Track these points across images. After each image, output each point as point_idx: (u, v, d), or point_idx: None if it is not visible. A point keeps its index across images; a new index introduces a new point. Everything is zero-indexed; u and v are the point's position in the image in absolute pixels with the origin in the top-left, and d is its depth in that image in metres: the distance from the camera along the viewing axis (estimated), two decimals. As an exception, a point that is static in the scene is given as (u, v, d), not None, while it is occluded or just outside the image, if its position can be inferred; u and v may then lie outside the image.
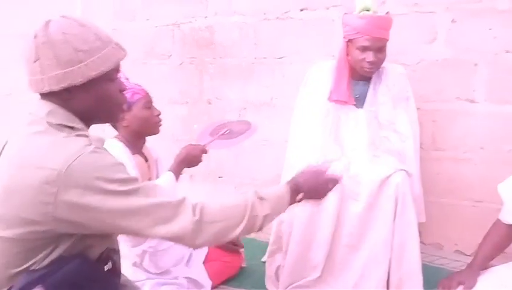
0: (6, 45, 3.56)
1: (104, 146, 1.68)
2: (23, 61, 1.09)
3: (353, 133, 1.94)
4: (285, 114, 2.34)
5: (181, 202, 1.07)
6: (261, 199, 1.15)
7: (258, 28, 2.78)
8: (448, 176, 2.36)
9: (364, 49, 1.88)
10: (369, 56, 1.89)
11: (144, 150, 1.90)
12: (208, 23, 2.91)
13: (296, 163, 1.96)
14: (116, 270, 1.15)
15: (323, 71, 2.06)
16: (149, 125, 1.82)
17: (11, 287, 1.01)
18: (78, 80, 1.05)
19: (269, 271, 1.97)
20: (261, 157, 2.82)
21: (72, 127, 1.07)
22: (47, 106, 1.08)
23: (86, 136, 1.07)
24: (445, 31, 2.32)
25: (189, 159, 1.80)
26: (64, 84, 1.05)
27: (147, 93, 1.83)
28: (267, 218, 1.15)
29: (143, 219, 1.03)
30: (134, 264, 1.73)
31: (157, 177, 1.93)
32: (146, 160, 1.88)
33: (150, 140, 1.93)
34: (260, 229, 1.17)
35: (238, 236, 1.14)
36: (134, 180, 1.06)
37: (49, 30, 1.05)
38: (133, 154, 1.81)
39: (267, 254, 2.03)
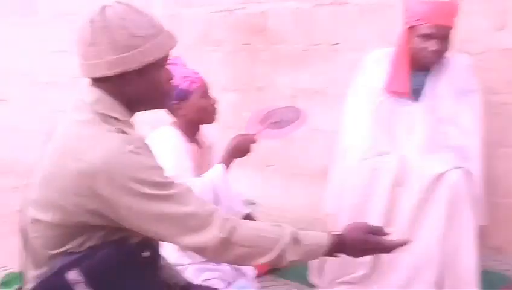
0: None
1: (150, 139, 1.72)
2: (76, 46, 1.09)
3: (407, 127, 1.83)
4: (338, 103, 2.25)
5: (211, 215, 1.04)
6: (296, 241, 1.08)
7: (312, 13, 2.70)
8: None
9: (426, 37, 1.76)
10: (432, 45, 1.76)
11: (198, 137, 1.91)
12: (262, 8, 2.86)
13: (346, 155, 1.88)
14: (155, 257, 1.15)
15: (380, 60, 1.96)
16: (206, 114, 1.82)
17: (49, 268, 1.03)
18: (133, 65, 1.05)
19: (314, 264, 1.92)
20: (311, 147, 2.75)
21: (116, 118, 1.07)
22: (95, 92, 1.09)
23: (127, 133, 1.05)
24: (515, 17, 2.13)
25: (239, 150, 1.78)
26: (118, 70, 1.05)
27: (204, 82, 1.82)
28: (293, 263, 1.10)
29: (170, 226, 1.02)
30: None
31: (210, 163, 1.93)
32: (200, 147, 1.89)
33: (201, 127, 1.92)
34: (282, 268, 1.12)
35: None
36: (168, 184, 1.04)
37: (106, 15, 1.05)
38: (189, 142, 1.81)
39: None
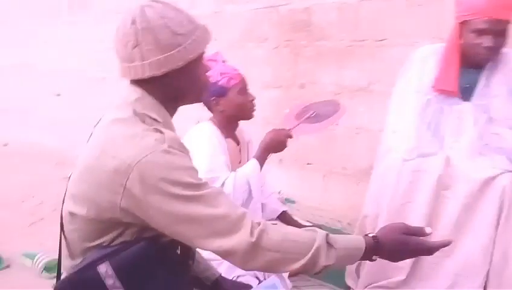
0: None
1: (188, 135, 1.74)
2: (117, 49, 1.10)
3: (456, 128, 1.73)
4: (383, 101, 2.17)
5: (241, 219, 1.01)
6: (330, 246, 1.03)
7: (358, 8, 2.62)
8: None
9: (481, 32, 1.65)
10: (487, 41, 1.65)
11: (237, 133, 1.91)
12: (306, 4, 2.81)
13: (389, 155, 1.80)
14: (188, 254, 1.15)
15: (428, 56, 1.86)
16: (244, 111, 1.82)
17: (83, 260, 1.05)
18: (179, 63, 1.06)
19: (350, 267, 1.86)
20: (353, 145, 2.67)
21: (154, 119, 1.08)
22: (136, 92, 1.10)
23: (163, 132, 1.05)
24: None
25: (274, 145, 1.76)
26: (165, 69, 1.05)
27: (243, 78, 1.82)
28: (328, 268, 1.04)
29: (199, 228, 1.00)
30: None
31: (247, 160, 1.92)
32: (238, 143, 1.89)
33: (242, 123, 1.92)
34: (316, 274, 1.06)
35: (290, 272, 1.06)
36: (200, 186, 1.02)
37: (147, 15, 1.05)
38: (226, 138, 1.82)
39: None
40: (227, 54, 3.28)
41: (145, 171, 0.98)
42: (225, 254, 1.01)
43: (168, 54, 1.05)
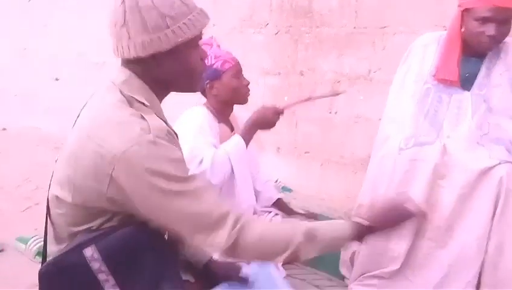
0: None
1: (180, 118, 1.71)
2: (109, 27, 1.08)
3: (454, 117, 1.70)
4: (383, 89, 2.14)
5: (223, 217, 1.01)
6: (311, 239, 1.04)
7: (360, -5, 2.57)
8: None
9: (484, 20, 1.60)
10: (490, 29, 1.60)
11: (231, 119, 1.88)
12: (307, -10, 2.76)
13: (385, 144, 1.78)
14: (177, 239, 1.14)
15: (429, 45, 1.82)
16: (238, 95, 1.79)
17: (69, 244, 1.04)
18: (165, 46, 1.03)
19: (344, 256, 1.85)
20: (352, 134, 2.65)
21: (142, 103, 1.05)
22: (125, 73, 1.08)
23: (150, 119, 1.02)
24: None
25: (262, 122, 1.72)
26: (151, 51, 1.02)
27: (237, 62, 1.80)
28: (312, 257, 1.07)
29: (180, 223, 1.00)
30: None
31: None
32: (232, 129, 1.86)
33: (240, 110, 1.90)
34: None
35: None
36: (185, 179, 1.01)
37: None
38: (219, 122, 1.80)
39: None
40: (226, 40, 3.25)
41: (131, 162, 0.97)
42: (209, 250, 1.05)
43: (154, 35, 1.02)
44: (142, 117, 1.02)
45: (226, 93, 1.76)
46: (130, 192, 0.98)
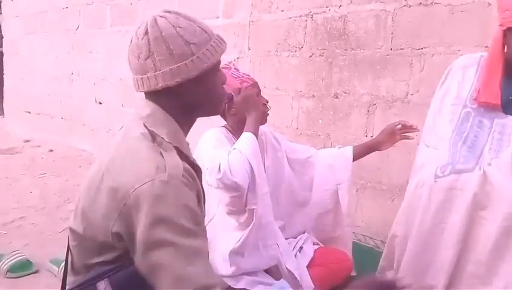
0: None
1: (201, 140, 1.71)
2: (130, 61, 1.08)
3: (496, 143, 1.58)
4: (422, 112, 2.06)
5: (206, 288, 0.95)
6: None
7: (396, 15, 2.50)
8: None
9: None
10: None
11: None
12: (342, 12, 2.73)
13: (421, 171, 1.68)
14: None
15: (469, 66, 1.73)
16: None
17: (84, 276, 1.04)
18: (193, 73, 1.04)
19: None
20: (389, 159, 2.55)
21: (163, 138, 1.04)
22: (149, 106, 1.08)
23: (168, 156, 1.00)
24: None
25: (246, 104, 1.71)
26: (179, 79, 1.03)
27: (256, 82, 1.83)
28: None
29: (162, 278, 0.95)
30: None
31: (273, 159, 1.88)
32: None
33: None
34: None
35: None
36: (186, 232, 0.96)
37: (159, 25, 1.04)
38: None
39: (378, 269, 1.80)
40: (262, 63, 3.27)
41: (139, 199, 0.95)
42: None
43: (182, 63, 1.03)
44: (161, 154, 1.00)
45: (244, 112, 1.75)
46: (134, 229, 0.96)
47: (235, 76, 1.78)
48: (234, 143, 1.71)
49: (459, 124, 1.66)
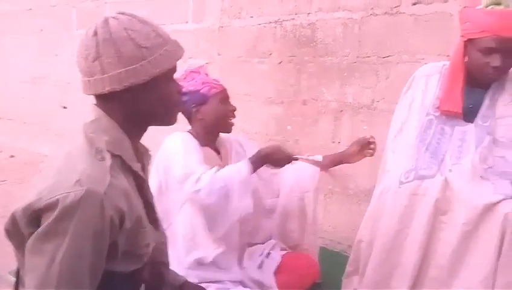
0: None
1: (164, 144, 1.69)
2: (78, 62, 1.04)
3: (457, 150, 1.63)
4: (387, 119, 2.09)
5: None
6: None
7: (363, 24, 2.56)
8: None
9: (489, 51, 1.54)
10: (495, 60, 1.54)
11: (218, 144, 1.86)
12: (311, 20, 2.76)
13: (386, 177, 1.72)
14: (162, 281, 1.15)
15: (431, 74, 1.77)
16: (222, 120, 1.79)
17: None
18: (142, 78, 0.99)
19: (345, 293, 1.77)
20: (355, 165, 2.57)
21: (101, 147, 0.99)
22: (95, 112, 1.03)
23: (88, 170, 0.95)
24: None
25: (273, 158, 1.73)
26: (127, 83, 0.98)
27: (224, 89, 1.83)
28: None
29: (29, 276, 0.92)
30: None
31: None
32: (218, 153, 1.84)
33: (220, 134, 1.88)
34: None
35: None
36: (76, 255, 0.91)
37: (109, 26, 0.99)
38: (203, 146, 1.77)
39: (345, 274, 1.82)
40: (231, 69, 3.27)
41: (49, 208, 0.90)
42: None
43: (130, 67, 0.98)
44: (93, 165, 0.95)
45: (211, 118, 1.76)
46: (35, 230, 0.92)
47: (205, 80, 1.78)
48: (199, 149, 1.70)
49: (423, 131, 1.71)
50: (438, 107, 1.69)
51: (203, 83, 1.76)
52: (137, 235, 1.02)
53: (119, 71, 0.98)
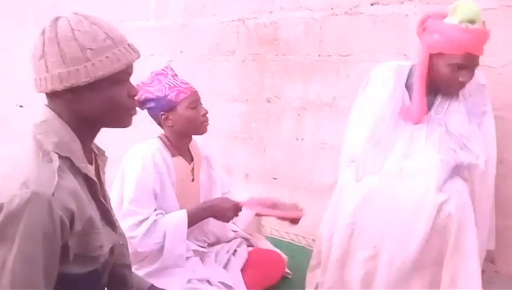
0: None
1: (130, 153, 1.66)
2: (30, 59, 1.04)
3: (408, 145, 1.72)
4: (347, 116, 2.17)
5: None
6: None
7: (324, 23, 2.62)
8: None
9: (460, 67, 1.61)
10: (465, 76, 1.62)
11: (191, 149, 1.84)
12: (273, 18, 2.80)
13: (342, 173, 1.79)
14: (124, 285, 1.17)
15: (386, 74, 1.86)
16: (194, 125, 1.75)
17: None
18: (83, 79, 0.98)
19: (309, 286, 1.83)
20: (319, 161, 2.66)
21: (48, 149, 0.98)
22: (45, 113, 1.02)
23: (40, 171, 0.94)
24: (540, 28, 1.99)
25: (218, 212, 1.71)
26: (67, 84, 0.98)
27: (194, 92, 1.77)
28: None
29: None
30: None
31: (208, 175, 1.86)
32: (191, 159, 1.82)
33: (206, 136, 1.87)
34: None
35: None
36: (24, 259, 0.90)
37: (57, 26, 1.00)
38: (174, 156, 1.75)
39: (309, 267, 1.88)
40: (194, 67, 3.26)
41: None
42: None
43: (73, 68, 0.98)
44: (40, 167, 0.95)
45: (181, 124, 1.72)
46: None
47: (172, 84, 1.72)
48: (169, 162, 1.68)
49: (375, 127, 1.77)
50: (402, 116, 1.74)
51: (170, 88, 1.71)
52: (89, 236, 1.02)
53: (60, 71, 0.98)
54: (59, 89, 0.99)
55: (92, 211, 1.04)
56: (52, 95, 1.02)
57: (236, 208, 1.70)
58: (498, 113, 1.90)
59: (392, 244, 1.56)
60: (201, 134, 1.79)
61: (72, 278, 1.00)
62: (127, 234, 1.46)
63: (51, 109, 1.03)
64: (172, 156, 1.75)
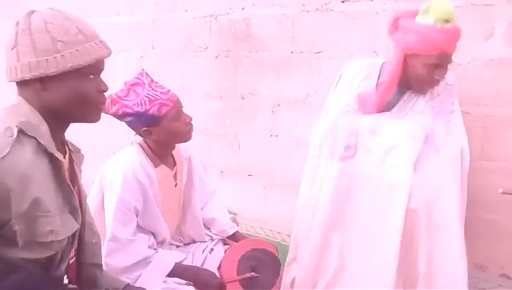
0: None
1: (110, 163, 1.64)
2: (4, 49, 1.09)
3: (375, 122, 1.75)
4: (320, 113, 2.20)
5: None
6: None
7: (296, 20, 2.64)
8: (497, 189, 2.10)
9: (435, 66, 1.63)
10: (440, 74, 1.64)
11: (173, 152, 1.79)
12: (245, 15, 2.80)
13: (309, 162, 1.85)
14: (94, 285, 1.15)
15: (356, 70, 1.89)
16: (180, 136, 1.68)
17: None
18: (52, 70, 1.03)
19: (285, 280, 1.86)
20: (293, 157, 2.69)
21: (12, 126, 1.00)
22: (17, 99, 1.07)
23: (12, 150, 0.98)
24: (504, 26, 2.06)
25: (203, 282, 1.66)
26: (36, 73, 1.02)
27: (176, 101, 1.64)
28: None
29: None
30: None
31: (189, 177, 1.85)
32: (174, 164, 1.79)
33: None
34: None
35: None
36: None
37: (31, 18, 1.05)
38: (157, 166, 1.69)
39: (286, 262, 1.92)
40: (166, 63, 3.23)
41: None
42: None
43: (42, 58, 1.02)
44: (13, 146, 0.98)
45: (166, 137, 1.64)
46: None
47: (152, 97, 1.59)
48: (150, 174, 1.63)
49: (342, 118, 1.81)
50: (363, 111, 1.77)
51: (150, 101, 1.58)
52: (36, 220, 1.01)
53: (30, 61, 1.02)
54: (28, 78, 1.03)
55: (47, 194, 1.03)
56: (21, 84, 1.05)
57: (221, 287, 1.67)
58: (464, 108, 1.97)
59: (368, 234, 1.61)
60: (186, 141, 1.71)
61: (21, 264, 1.00)
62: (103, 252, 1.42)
63: (21, 95, 1.07)
64: (155, 166, 1.68)
